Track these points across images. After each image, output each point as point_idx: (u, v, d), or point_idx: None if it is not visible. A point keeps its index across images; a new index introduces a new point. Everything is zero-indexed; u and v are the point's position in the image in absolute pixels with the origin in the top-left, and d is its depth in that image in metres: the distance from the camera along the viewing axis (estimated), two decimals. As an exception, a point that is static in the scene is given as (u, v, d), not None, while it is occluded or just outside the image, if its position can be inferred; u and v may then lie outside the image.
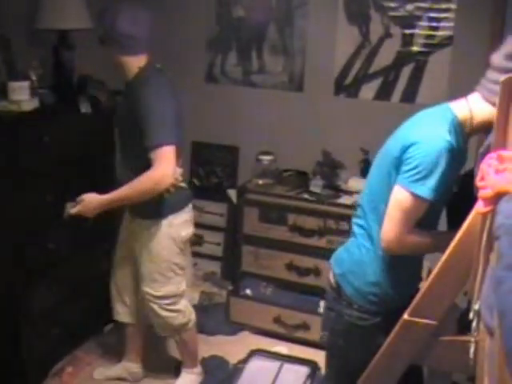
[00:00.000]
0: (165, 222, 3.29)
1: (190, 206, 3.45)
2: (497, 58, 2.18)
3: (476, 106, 2.29)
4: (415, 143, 2.25)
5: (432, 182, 2.22)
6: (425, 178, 2.22)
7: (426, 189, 2.23)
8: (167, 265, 3.37)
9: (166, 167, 3.00)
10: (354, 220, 2.59)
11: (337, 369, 2.70)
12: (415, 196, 2.25)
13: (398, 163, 2.31)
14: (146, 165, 3.03)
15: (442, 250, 2.05)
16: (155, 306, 3.43)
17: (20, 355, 3.62)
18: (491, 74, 2.20)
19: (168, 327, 3.52)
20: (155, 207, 3.24)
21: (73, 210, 3.16)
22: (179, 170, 3.28)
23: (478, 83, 2.29)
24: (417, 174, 2.23)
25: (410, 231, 2.31)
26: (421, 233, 2.35)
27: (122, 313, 3.67)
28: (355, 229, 2.57)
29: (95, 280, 3.87)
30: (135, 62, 3.15)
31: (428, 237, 2.37)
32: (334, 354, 2.67)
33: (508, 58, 2.12)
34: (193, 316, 3.61)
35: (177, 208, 3.32)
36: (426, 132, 2.28)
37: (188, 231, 3.43)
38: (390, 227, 2.31)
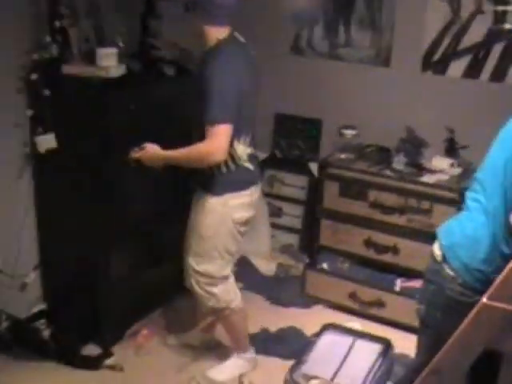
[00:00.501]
0: (220, 200, 3.24)
1: (253, 188, 3.36)
2: None
3: None
4: None
5: None
6: None
7: None
8: (213, 243, 3.31)
9: (215, 143, 3.01)
10: (470, 194, 2.54)
11: (430, 340, 2.66)
12: None
13: None
14: None
15: None
16: (192, 280, 3.40)
17: (97, 316, 3.75)
18: None
19: (202, 305, 3.49)
20: (214, 182, 3.22)
21: (135, 154, 3.27)
22: (242, 148, 3.23)
23: None
24: None
25: None
26: None
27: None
28: (469, 203, 2.52)
29: (174, 245, 3.91)
30: (216, 33, 3.13)
31: None
32: (430, 325, 2.63)
33: None
34: (233, 305, 3.49)
35: (235, 188, 3.26)
36: None
37: (243, 214, 3.33)
38: None
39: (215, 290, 3.41)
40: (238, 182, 3.27)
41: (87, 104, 3.45)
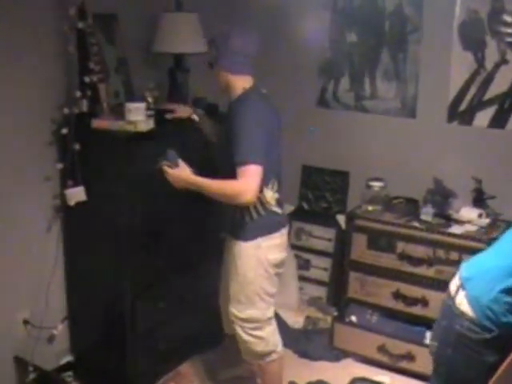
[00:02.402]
0: (253, 244, 3.28)
1: (283, 231, 3.42)
2: None
3: None
4: None
5: None
6: None
7: None
8: (253, 288, 3.34)
9: (248, 183, 3.04)
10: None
11: (442, 379, 2.63)
12: None
13: None
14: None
15: None
16: (238, 328, 3.41)
17: (125, 368, 3.73)
18: None
19: (250, 352, 3.47)
20: (245, 228, 3.27)
21: (166, 166, 3.22)
22: (271, 194, 3.29)
23: None
24: None
25: None
26: None
27: (227, 324, 3.63)
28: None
29: (202, 297, 3.91)
30: (241, 82, 3.23)
31: None
32: (442, 363, 2.61)
33: None
34: (279, 348, 3.52)
35: (267, 231, 3.30)
36: None
37: (277, 256, 3.38)
38: None
39: (262, 333, 3.43)
40: (269, 225, 3.32)
41: (115, 157, 3.50)
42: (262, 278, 3.34)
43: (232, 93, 3.26)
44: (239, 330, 3.41)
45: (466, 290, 2.47)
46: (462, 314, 2.45)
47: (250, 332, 3.40)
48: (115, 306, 3.68)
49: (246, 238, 3.29)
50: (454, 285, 2.57)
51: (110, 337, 3.74)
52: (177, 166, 3.23)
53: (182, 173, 3.22)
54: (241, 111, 3.14)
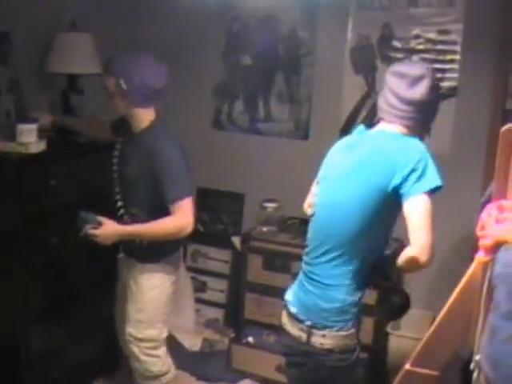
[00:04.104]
0: (154, 265, 3.31)
1: (180, 250, 3.54)
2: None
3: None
4: (404, 155, 2.48)
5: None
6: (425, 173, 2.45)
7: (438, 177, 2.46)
8: (154, 307, 3.35)
9: (187, 217, 3.14)
10: None
11: None
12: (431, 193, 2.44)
13: (399, 187, 2.46)
14: (160, 208, 3.13)
15: None
16: (135, 349, 3.38)
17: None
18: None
19: (147, 373, 3.43)
20: (145, 249, 3.27)
21: (92, 230, 3.14)
22: None
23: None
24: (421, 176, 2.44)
25: None
26: None
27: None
28: None
29: (98, 323, 3.84)
30: (147, 114, 3.22)
31: None
32: None
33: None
34: (173, 368, 3.53)
35: (167, 251, 3.35)
36: (405, 143, 2.56)
37: (175, 275, 3.44)
38: (428, 237, 2.42)
39: (159, 352, 3.43)
40: (168, 246, 3.32)
41: (5, 180, 3.40)
42: (161, 296, 3.36)
43: (136, 123, 3.23)
44: (136, 351, 3.38)
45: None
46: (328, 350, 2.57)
47: (148, 352, 3.39)
48: (9, 331, 3.55)
49: (147, 260, 3.30)
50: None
51: (3, 365, 3.61)
52: (100, 224, 3.15)
53: (110, 230, 3.17)
54: (161, 148, 3.15)
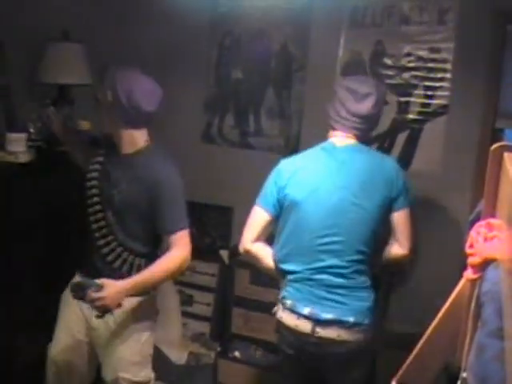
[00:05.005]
0: (147, 298, 3.12)
1: None
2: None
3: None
4: (396, 171, 3.00)
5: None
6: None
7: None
8: (149, 344, 3.20)
9: (186, 249, 2.99)
10: None
11: None
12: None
13: (395, 198, 2.95)
14: (148, 237, 3.03)
15: None
16: None
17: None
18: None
19: None
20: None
21: (96, 294, 2.85)
22: None
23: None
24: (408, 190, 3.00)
25: None
26: None
27: None
28: None
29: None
30: (142, 136, 3.04)
31: None
32: None
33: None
34: None
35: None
36: (388, 159, 3.16)
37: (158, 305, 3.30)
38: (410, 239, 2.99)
39: None
40: None
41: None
42: (152, 331, 3.21)
43: (128, 144, 3.02)
44: None
45: None
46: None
47: None
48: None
49: (141, 294, 3.06)
50: None
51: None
52: (102, 287, 2.86)
53: (114, 289, 2.88)
54: (164, 175, 2.97)
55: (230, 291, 4.33)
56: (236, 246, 4.37)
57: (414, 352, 2.09)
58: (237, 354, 4.37)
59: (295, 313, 2.97)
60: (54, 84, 4.00)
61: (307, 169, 3.05)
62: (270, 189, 3.12)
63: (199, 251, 4.83)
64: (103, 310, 2.91)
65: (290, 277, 3.01)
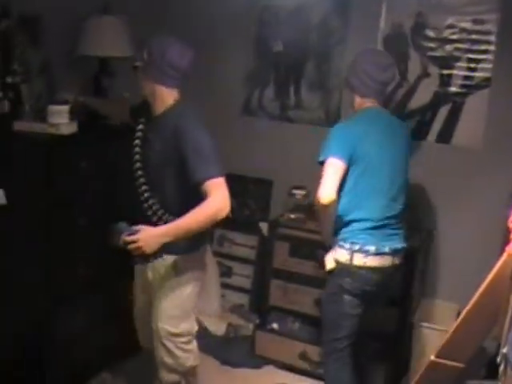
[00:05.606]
0: (189, 256, 3.20)
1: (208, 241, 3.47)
2: None
3: None
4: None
5: None
6: None
7: None
8: (189, 300, 3.27)
9: (224, 195, 2.94)
10: None
11: None
12: None
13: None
14: (188, 199, 3.00)
15: None
16: (170, 345, 3.25)
17: (44, 380, 3.63)
18: None
19: (179, 369, 3.31)
20: (179, 242, 3.07)
21: (130, 237, 2.92)
22: None
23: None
24: None
25: None
26: None
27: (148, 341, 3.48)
28: None
29: (121, 308, 3.84)
30: (172, 95, 3.13)
31: None
32: None
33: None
34: (198, 360, 3.43)
35: (200, 242, 3.25)
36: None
37: (205, 267, 3.39)
38: None
39: (192, 346, 3.35)
40: (200, 237, 3.17)
41: (36, 161, 3.42)
42: (197, 288, 3.29)
43: (160, 103, 3.12)
44: (171, 347, 3.25)
45: None
46: None
47: (183, 346, 3.28)
48: (34, 318, 3.56)
49: (181, 251, 3.15)
50: None
51: (28, 350, 3.62)
52: (136, 231, 2.93)
53: (149, 233, 2.95)
54: (188, 126, 3.01)
55: (269, 263, 4.34)
56: (275, 219, 4.39)
57: (453, 328, 2.08)
58: (275, 325, 4.39)
59: (379, 254, 3.33)
60: (95, 57, 4.02)
61: (370, 130, 3.36)
62: (344, 143, 3.33)
63: (239, 223, 4.90)
64: (140, 255, 3.00)
65: (363, 225, 3.36)
